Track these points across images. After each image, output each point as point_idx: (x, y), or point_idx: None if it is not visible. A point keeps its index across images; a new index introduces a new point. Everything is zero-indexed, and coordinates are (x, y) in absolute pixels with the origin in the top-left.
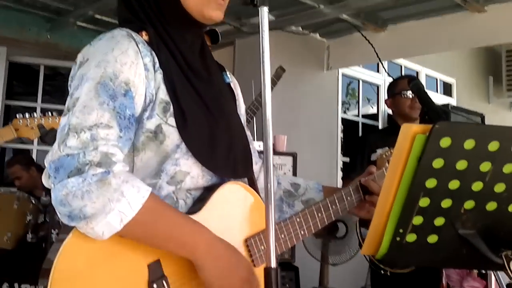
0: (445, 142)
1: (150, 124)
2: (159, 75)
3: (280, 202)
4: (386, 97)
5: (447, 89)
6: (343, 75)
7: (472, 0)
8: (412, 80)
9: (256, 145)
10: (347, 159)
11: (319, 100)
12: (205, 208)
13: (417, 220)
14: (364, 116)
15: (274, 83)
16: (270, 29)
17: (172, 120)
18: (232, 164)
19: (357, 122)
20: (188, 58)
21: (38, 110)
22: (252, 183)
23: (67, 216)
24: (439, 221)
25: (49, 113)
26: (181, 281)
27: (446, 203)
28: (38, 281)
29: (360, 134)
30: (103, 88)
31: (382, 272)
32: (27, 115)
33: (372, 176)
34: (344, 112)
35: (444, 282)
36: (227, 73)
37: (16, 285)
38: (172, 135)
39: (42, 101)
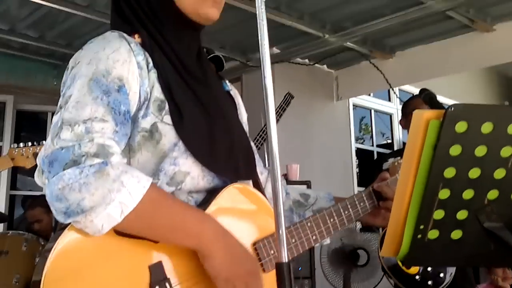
0: (461, 126)
1: (145, 123)
2: (153, 74)
3: (290, 213)
4: (400, 117)
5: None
6: (354, 105)
7: (480, 20)
8: (424, 91)
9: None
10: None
11: (331, 130)
12: (208, 210)
13: (438, 214)
14: (378, 146)
15: (283, 109)
16: (276, 61)
17: (167, 118)
18: (233, 165)
19: (372, 152)
20: (184, 59)
21: None
22: (257, 186)
23: (63, 212)
24: (462, 215)
25: (44, 142)
26: (184, 284)
27: (467, 194)
28: (31, 282)
29: None
30: (95, 84)
31: None
32: (21, 144)
33: (385, 182)
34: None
35: None
36: (227, 82)
37: None
38: (168, 134)
39: None
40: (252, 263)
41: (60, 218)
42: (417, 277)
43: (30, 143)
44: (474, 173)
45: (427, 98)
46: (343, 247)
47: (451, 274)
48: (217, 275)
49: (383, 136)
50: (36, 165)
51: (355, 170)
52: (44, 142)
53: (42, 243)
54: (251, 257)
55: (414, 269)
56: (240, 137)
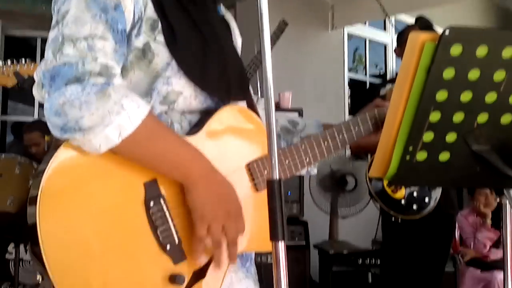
0: (456, 49)
1: (138, 42)
2: None
3: (278, 140)
4: (396, 46)
5: None
6: (348, 34)
7: None
8: (420, 19)
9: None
10: None
11: (324, 60)
12: (203, 131)
13: (428, 136)
14: (372, 76)
15: (277, 36)
16: None
17: (160, 37)
18: (226, 85)
19: (365, 82)
20: None
21: None
22: (252, 107)
23: (61, 128)
24: (451, 137)
25: (23, 60)
26: (177, 201)
27: (458, 116)
28: (27, 211)
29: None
30: (93, 1)
31: (393, 219)
32: (0, 63)
33: (381, 108)
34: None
35: (457, 234)
36: (221, 6)
37: (21, 246)
38: (161, 53)
39: None
40: (234, 206)
41: (56, 133)
42: (402, 201)
43: (9, 61)
44: (466, 96)
45: (423, 26)
46: (332, 173)
47: (435, 199)
48: (194, 210)
49: (376, 67)
50: (17, 84)
51: (347, 100)
52: (23, 61)
53: (35, 166)
54: (234, 201)
55: (400, 194)
56: (234, 59)
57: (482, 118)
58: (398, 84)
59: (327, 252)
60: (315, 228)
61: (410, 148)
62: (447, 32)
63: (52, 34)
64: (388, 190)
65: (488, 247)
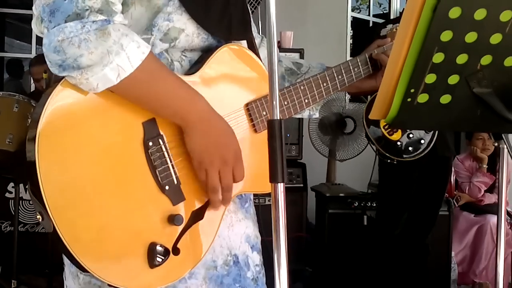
0: None
1: None
2: None
3: (282, 81)
4: None
5: None
6: None
7: None
8: None
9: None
10: None
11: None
12: (203, 70)
13: (430, 78)
14: (375, 16)
15: None
16: None
17: None
18: (227, 24)
19: (368, 22)
20: None
21: None
22: (252, 47)
23: (59, 65)
24: (453, 79)
25: None
26: (177, 141)
27: (461, 58)
28: (27, 137)
29: None
30: None
31: (389, 161)
32: None
33: (381, 48)
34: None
35: (452, 179)
36: None
37: (21, 185)
38: None
39: None
40: (232, 152)
41: (55, 70)
42: (398, 143)
43: None
44: (471, 37)
45: None
46: (331, 115)
47: (432, 141)
48: (192, 154)
49: (380, 6)
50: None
51: (349, 40)
52: None
53: (34, 105)
54: (232, 147)
55: (396, 136)
56: None
57: (486, 60)
58: (402, 23)
59: (323, 194)
60: (313, 171)
61: (412, 90)
62: None
63: None
64: (385, 132)
65: (482, 192)
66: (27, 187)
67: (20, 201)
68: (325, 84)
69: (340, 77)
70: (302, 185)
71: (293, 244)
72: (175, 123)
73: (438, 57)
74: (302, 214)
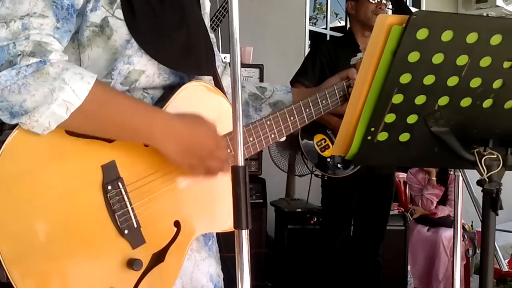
0: (422, 33)
1: (94, 17)
2: None
3: (246, 107)
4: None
5: (416, 1)
6: None
7: None
8: None
9: (221, 58)
10: None
11: (285, 12)
12: (166, 108)
13: (390, 118)
14: (332, 29)
15: None
16: None
17: (119, 13)
18: (190, 59)
19: (325, 35)
20: None
21: None
22: (217, 82)
23: (9, 112)
24: (412, 119)
25: None
26: (137, 183)
27: (420, 99)
28: None
29: None
30: None
31: (319, 176)
32: None
33: (350, 81)
34: (312, 25)
35: (408, 192)
36: None
37: None
38: (120, 29)
39: None
40: (211, 143)
41: (6, 119)
42: (329, 159)
43: None
44: (429, 79)
45: None
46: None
47: None
48: (179, 165)
49: (336, 16)
50: None
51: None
52: None
53: None
54: (207, 139)
55: (328, 152)
56: (198, 30)
57: (443, 101)
58: (363, 66)
59: (283, 210)
60: (273, 185)
61: (372, 129)
62: (414, 16)
63: None
64: (317, 148)
65: (434, 204)
66: None
67: None
68: (292, 118)
69: (307, 110)
70: (261, 200)
71: (253, 259)
72: (135, 164)
73: (397, 98)
74: (262, 229)
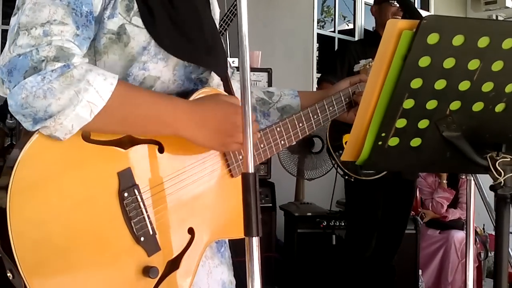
0: (433, 38)
1: (111, 25)
2: None
3: (254, 111)
4: (373, 3)
5: (424, 3)
6: None
7: None
8: None
9: (230, 62)
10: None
11: (293, 15)
12: None
13: (401, 123)
14: (340, 32)
15: None
16: None
17: (136, 20)
18: (211, 57)
19: (333, 38)
20: None
21: None
22: (227, 86)
23: (32, 119)
24: (423, 124)
25: None
26: (152, 190)
27: (431, 104)
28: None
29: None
30: None
31: (346, 177)
32: None
33: (355, 87)
34: (320, 29)
35: (418, 195)
36: None
37: None
38: (137, 36)
39: None
40: (235, 118)
41: (28, 126)
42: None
43: None
44: (440, 84)
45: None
46: None
47: None
48: (213, 149)
49: (344, 19)
50: None
51: (315, 56)
52: None
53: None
54: (231, 114)
55: None
56: (214, 33)
57: (455, 105)
58: (374, 70)
59: (292, 214)
60: (282, 189)
61: (383, 134)
62: (425, 21)
63: (12, 22)
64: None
65: (445, 207)
66: None
67: None
68: (300, 125)
69: (315, 116)
70: (271, 204)
71: (263, 263)
72: (151, 172)
73: (408, 103)
74: (271, 233)
